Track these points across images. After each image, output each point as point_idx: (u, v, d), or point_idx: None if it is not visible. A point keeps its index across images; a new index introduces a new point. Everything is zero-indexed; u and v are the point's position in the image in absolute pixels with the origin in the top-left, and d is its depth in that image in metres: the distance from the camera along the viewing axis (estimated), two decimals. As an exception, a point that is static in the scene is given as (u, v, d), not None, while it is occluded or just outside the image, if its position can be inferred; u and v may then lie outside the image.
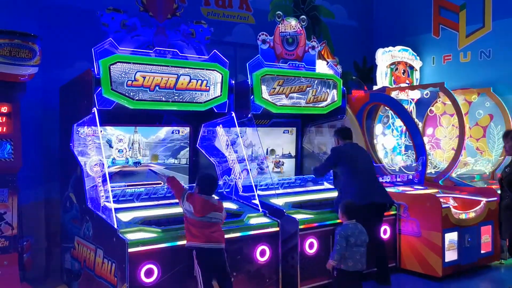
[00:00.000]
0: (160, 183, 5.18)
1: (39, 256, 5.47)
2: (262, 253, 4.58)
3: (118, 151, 5.08)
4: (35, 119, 5.45)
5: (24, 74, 4.10)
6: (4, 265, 4.44)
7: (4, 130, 4.46)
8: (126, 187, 4.83)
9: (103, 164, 4.43)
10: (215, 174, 5.05)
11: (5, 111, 4.49)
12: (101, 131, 4.80)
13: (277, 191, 5.38)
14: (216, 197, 4.23)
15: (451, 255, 5.47)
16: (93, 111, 4.32)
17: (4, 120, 4.47)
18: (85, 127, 4.69)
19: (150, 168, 5.29)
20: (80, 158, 4.69)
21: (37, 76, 4.61)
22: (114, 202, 4.44)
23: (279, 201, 5.19)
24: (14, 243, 4.53)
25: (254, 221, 4.66)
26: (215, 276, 4.10)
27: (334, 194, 5.61)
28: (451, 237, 5.47)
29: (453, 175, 6.70)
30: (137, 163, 5.19)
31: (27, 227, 5.00)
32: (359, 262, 4.32)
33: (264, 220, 4.71)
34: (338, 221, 5.04)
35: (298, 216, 4.89)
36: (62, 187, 5.25)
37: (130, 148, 5.15)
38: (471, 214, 5.71)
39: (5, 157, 4.43)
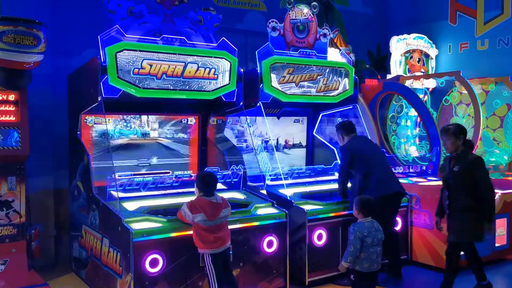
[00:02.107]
0: (169, 172, 5.14)
1: (48, 244, 5.50)
2: (270, 244, 4.52)
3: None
4: (44, 108, 5.43)
5: (29, 61, 4.07)
6: (12, 252, 4.47)
7: (12, 118, 4.47)
8: (133, 176, 4.80)
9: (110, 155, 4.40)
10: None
11: (12, 99, 4.50)
12: (108, 120, 4.79)
13: (286, 181, 5.31)
14: (217, 194, 4.11)
15: (464, 248, 5.35)
16: (99, 100, 4.28)
17: (11, 108, 4.47)
18: (92, 115, 4.66)
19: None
20: (87, 147, 4.68)
21: (45, 64, 4.60)
22: (121, 191, 4.44)
23: (287, 192, 5.12)
24: (22, 231, 4.56)
25: (261, 211, 4.59)
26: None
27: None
28: (465, 229, 5.34)
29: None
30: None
31: (36, 215, 5.03)
32: (375, 262, 4.02)
33: (272, 210, 4.65)
34: (347, 212, 4.98)
35: (307, 207, 4.81)
36: (71, 175, 5.24)
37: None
38: (486, 207, 5.56)
39: (12, 145, 4.44)
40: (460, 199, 4.37)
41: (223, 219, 3.96)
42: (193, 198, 4.05)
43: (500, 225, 5.69)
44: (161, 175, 4.92)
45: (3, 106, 4.44)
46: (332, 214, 4.92)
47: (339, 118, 6.16)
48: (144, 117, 5.14)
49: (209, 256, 3.88)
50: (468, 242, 4.48)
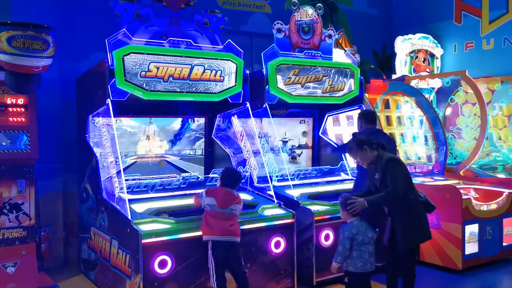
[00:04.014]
0: (176, 176, 5.17)
1: (57, 246, 5.53)
2: (277, 245, 4.54)
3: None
4: (53, 111, 5.49)
5: (38, 65, 4.10)
6: (22, 254, 4.51)
7: (21, 121, 4.52)
8: (141, 178, 4.83)
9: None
10: (238, 170, 4.98)
11: (22, 102, 4.55)
12: (116, 120, 4.83)
13: (293, 182, 5.33)
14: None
15: (471, 248, 5.36)
16: (107, 102, 4.32)
17: (20, 112, 4.52)
18: (100, 118, 4.71)
19: (166, 159, 5.30)
20: (95, 149, 4.73)
21: (54, 68, 4.64)
22: (129, 193, 4.47)
23: (294, 192, 5.14)
24: (32, 233, 4.59)
25: (268, 212, 4.62)
26: (230, 269, 4.09)
27: (351, 185, 5.53)
28: (472, 229, 5.35)
29: (475, 165, 6.53)
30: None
31: (45, 218, 5.06)
32: (368, 262, 3.97)
33: (279, 211, 4.68)
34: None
35: (314, 208, 4.83)
36: (79, 178, 5.29)
37: (146, 139, 5.17)
38: (493, 206, 5.57)
39: (21, 148, 4.48)
40: (397, 203, 4.06)
41: (233, 211, 4.05)
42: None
43: (507, 224, 5.69)
44: (169, 176, 4.96)
45: (13, 109, 4.50)
46: (339, 215, 4.90)
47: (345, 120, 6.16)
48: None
49: (211, 245, 3.95)
50: (409, 248, 4.14)
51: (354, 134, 5.07)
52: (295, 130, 6.17)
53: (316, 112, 6.27)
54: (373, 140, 4.91)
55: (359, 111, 5.87)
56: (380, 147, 4.20)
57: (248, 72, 5.06)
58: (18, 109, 4.52)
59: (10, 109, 4.49)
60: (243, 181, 5.10)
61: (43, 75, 4.44)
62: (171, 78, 4.56)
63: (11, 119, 4.47)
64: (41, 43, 4.02)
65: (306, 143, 6.26)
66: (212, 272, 3.96)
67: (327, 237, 4.83)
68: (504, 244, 5.65)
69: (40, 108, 4.68)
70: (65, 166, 5.61)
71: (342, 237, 3.97)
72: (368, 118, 5.13)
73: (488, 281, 5.20)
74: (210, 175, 5.06)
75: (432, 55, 7.87)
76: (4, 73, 4.21)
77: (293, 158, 6.15)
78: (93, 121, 4.78)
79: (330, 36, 5.73)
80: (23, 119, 4.52)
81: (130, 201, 4.35)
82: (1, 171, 4.44)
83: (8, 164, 4.46)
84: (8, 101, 4.49)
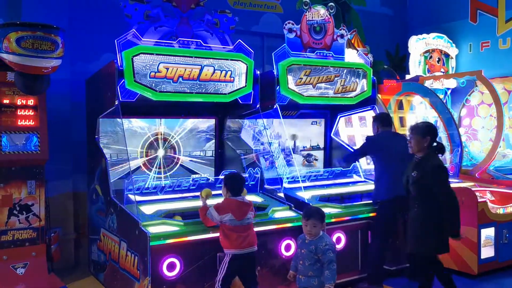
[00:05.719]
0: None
1: (67, 248, 5.52)
2: (287, 248, 4.47)
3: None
4: (63, 112, 5.48)
5: (47, 66, 4.10)
6: (32, 256, 4.51)
7: (31, 122, 4.52)
8: (150, 179, 4.81)
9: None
10: (240, 172, 4.94)
11: (32, 104, 4.56)
12: (125, 121, 4.81)
13: (304, 184, 5.25)
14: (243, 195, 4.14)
15: (487, 252, 5.23)
16: (116, 103, 4.29)
17: (30, 113, 4.53)
18: (109, 119, 4.69)
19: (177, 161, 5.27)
20: (105, 151, 4.71)
21: (64, 68, 4.64)
22: (138, 194, 4.44)
23: (305, 194, 5.05)
24: (42, 234, 4.59)
25: (279, 214, 4.55)
26: (242, 277, 4.03)
27: (364, 187, 5.46)
28: (488, 232, 5.23)
29: (491, 167, 6.39)
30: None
31: (55, 219, 5.06)
32: None
33: (290, 214, 4.60)
34: (371, 215, 4.89)
35: (325, 210, 4.67)
36: (89, 179, 5.28)
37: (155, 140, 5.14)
38: (510, 209, 5.43)
39: (32, 149, 4.49)
40: (414, 207, 4.05)
41: (250, 220, 3.97)
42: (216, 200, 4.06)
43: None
44: (178, 178, 4.93)
45: (23, 111, 4.51)
46: (351, 217, 4.85)
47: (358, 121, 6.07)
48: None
49: (229, 256, 3.87)
50: (421, 255, 4.10)
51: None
52: (307, 131, 6.09)
53: (328, 113, 6.19)
54: (393, 143, 4.86)
55: (371, 112, 5.79)
56: (438, 149, 4.10)
57: (258, 72, 5.00)
58: (28, 110, 4.53)
59: (20, 110, 4.50)
60: (253, 183, 5.07)
61: (53, 76, 4.45)
62: (180, 79, 4.52)
63: (21, 120, 4.48)
64: (50, 43, 4.02)
65: (317, 144, 6.18)
66: (220, 277, 3.89)
67: (338, 240, 4.74)
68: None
69: (50, 109, 4.69)
70: (75, 167, 5.60)
71: (333, 253, 3.71)
72: (383, 121, 5.03)
73: (504, 286, 5.08)
74: (220, 177, 5.00)
75: (447, 55, 7.73)
76: (14, 74, 4.22)
77: (309, 162, 6.07)
78: (102, 122, 4.76)
79: (342, 36, 5.65)
80: (33, 120, 4.53)
81: (139, 202, 4.33)
82: (11, 172, 4.46)
83: (18, 165, 4.48)
84: (18, 102, 4.51)
